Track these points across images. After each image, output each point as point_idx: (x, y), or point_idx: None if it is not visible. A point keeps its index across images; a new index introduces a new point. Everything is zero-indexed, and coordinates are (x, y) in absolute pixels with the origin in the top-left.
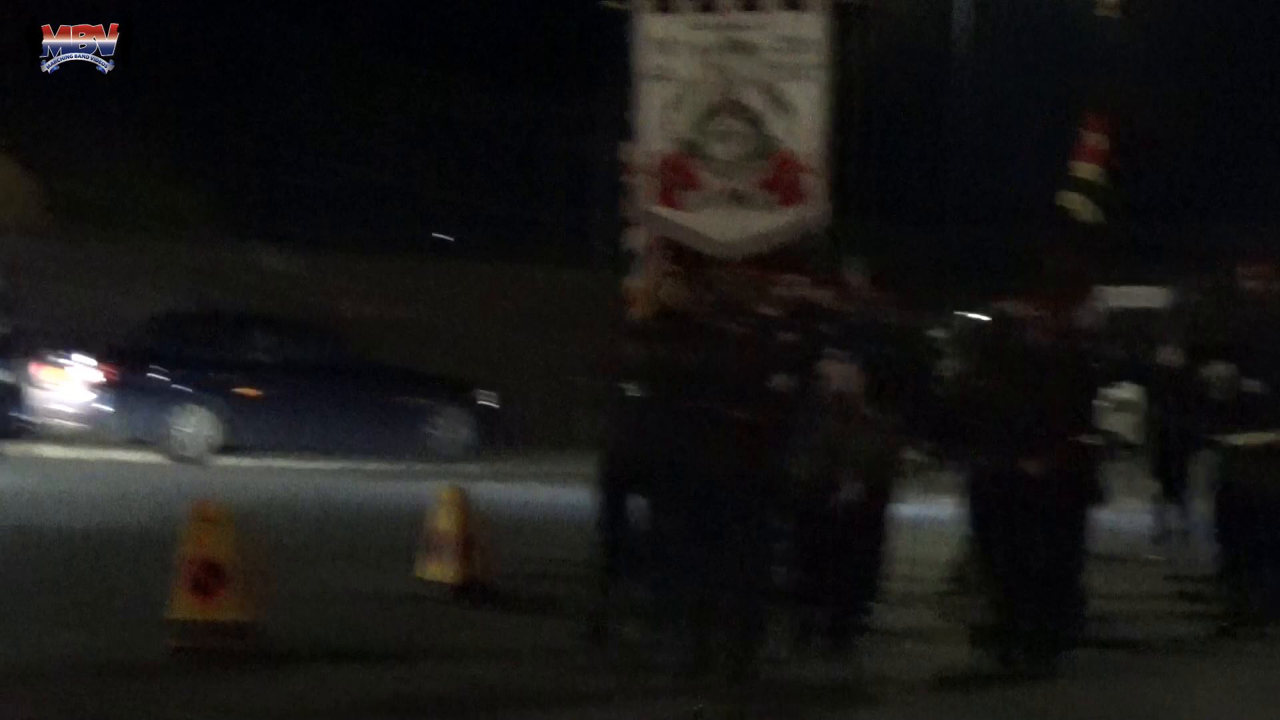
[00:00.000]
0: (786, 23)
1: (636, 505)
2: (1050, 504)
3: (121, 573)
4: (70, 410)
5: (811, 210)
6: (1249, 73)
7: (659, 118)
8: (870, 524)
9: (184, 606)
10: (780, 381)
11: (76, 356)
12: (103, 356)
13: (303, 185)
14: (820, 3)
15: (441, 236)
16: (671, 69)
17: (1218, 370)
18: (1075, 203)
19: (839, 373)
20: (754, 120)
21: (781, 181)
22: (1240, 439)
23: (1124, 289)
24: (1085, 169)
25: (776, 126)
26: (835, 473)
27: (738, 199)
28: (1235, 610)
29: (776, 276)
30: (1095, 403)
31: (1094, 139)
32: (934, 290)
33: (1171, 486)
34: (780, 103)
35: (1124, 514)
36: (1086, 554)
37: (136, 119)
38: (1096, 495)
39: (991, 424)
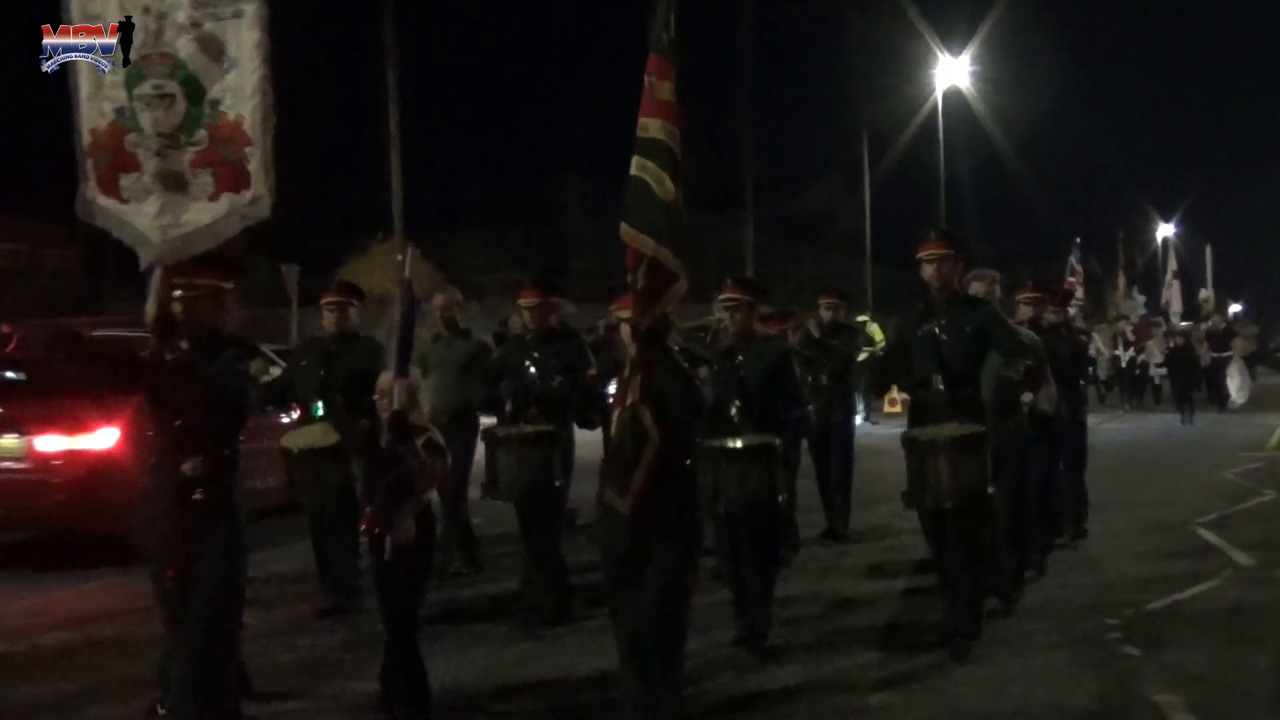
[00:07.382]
0: None
1: None
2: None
3: None
4: None
5: (251, 196)
6: None
7: (92, 80)
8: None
9: None
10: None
11: None
12: None
13: None
14: None
15: None
16: (101, 14)
17: None
18: (646, 170)
19: (388, 386)
20: (186, 78)
21: (218, 159)
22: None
23: None
24: (653, 126)
25: (211, 83)
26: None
27: (174, 184)
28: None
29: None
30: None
31: (660, 88)
32: None
33: None
34: (213, 52)
35: None
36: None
37: None
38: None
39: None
